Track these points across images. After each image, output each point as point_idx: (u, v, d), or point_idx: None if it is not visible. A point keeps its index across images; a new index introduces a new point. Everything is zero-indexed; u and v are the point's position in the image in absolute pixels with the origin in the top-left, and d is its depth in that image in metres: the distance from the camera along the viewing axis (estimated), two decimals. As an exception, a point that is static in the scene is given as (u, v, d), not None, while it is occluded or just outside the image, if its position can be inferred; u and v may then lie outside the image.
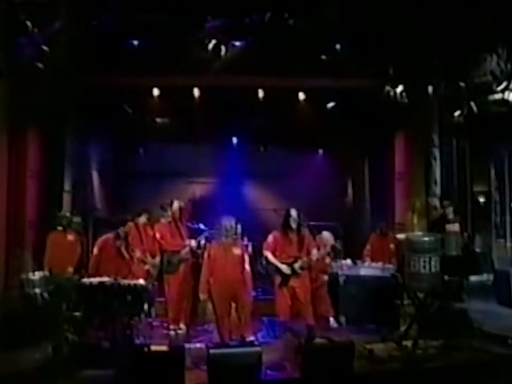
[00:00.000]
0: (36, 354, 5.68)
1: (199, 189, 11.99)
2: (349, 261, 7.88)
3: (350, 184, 11.80)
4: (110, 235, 7.00)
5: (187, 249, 7.48)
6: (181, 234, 7.65)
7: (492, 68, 6.04)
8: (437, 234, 6.06)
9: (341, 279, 7.58)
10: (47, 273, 6.57)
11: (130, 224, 7.61)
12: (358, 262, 7.88)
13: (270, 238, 6.91)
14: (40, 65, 7.26)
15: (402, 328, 6.62)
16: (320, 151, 12.85)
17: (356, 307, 7.38)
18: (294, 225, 6.74)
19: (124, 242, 6.94)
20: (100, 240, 7.07)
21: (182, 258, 7.48)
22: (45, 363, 5.56)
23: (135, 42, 7.67)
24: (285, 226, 6.81)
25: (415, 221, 8.32)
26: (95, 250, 6.95)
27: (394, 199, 9.53)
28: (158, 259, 7.61)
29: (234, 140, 12.38)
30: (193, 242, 7.50)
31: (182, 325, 7.40)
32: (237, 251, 6.63)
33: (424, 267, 5.76)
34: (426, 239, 5.95)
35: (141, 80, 8.76)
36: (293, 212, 6.75)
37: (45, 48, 7.16)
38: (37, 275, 6.27)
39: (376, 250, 8.27)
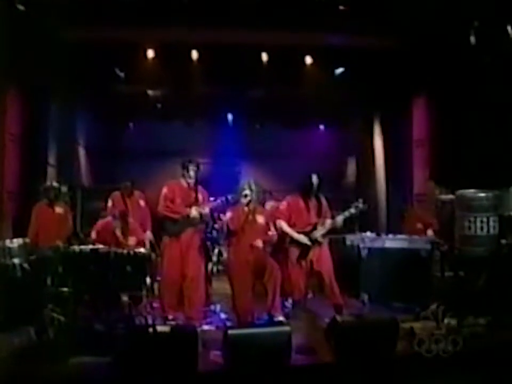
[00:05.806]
0: (15, 339, 4.78)
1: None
2: (369, 233, 7.10)
3: (359, 156, 11.05)
4: (109, 219, 6.21)
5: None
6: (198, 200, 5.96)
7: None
8: (495, 190, 5.23)
9: (363, 253, 6.82)
10: (27, 240, 5.61)
11: (116, 193, 6.79)
12: (382, 234, 7.10)
13: (284, 204, 6.22)
14: (20, 7, 6.33)
15: (433, 307, 5.82)
16: (322, 126, 12.35)
17: (380, 283, 6.63)
18: (313, 191, 6.12)
19: (119, 224, 6.04)
20: (99, 224, 6.28)
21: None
22: (26, 350, 4.68)
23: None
24: (305, 192, 6.14)
25: (437, 191, 7.43)
26: (93, 235, 6.15)
27: (412, 168, 8.86)
28: (148, 233, 6.64)
29: (230, 116, 11.89)
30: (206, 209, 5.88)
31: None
32: (261, 217, 5.97)
33: (482, 228, 4.97)
34: (483, 195, 5.10)
35: (133, 34, 7.93)
36: (314, 178, 6.11)
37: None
38: (16, 242, 5.31)
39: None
